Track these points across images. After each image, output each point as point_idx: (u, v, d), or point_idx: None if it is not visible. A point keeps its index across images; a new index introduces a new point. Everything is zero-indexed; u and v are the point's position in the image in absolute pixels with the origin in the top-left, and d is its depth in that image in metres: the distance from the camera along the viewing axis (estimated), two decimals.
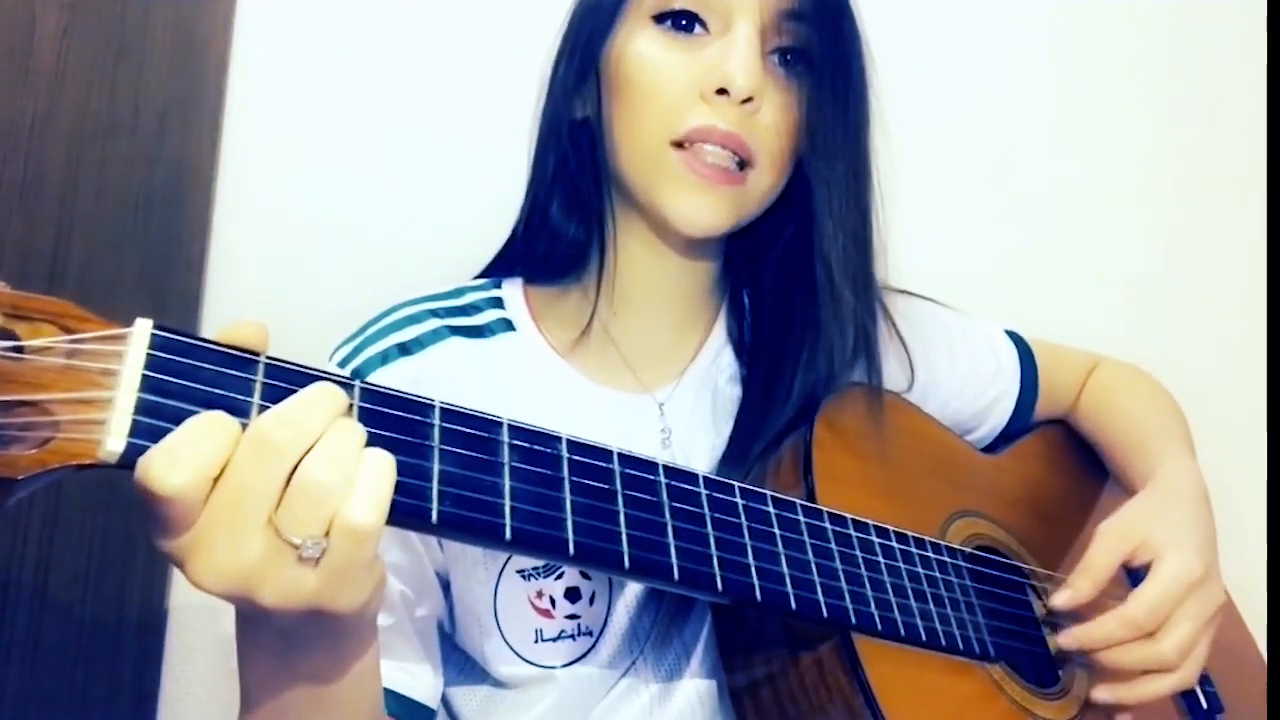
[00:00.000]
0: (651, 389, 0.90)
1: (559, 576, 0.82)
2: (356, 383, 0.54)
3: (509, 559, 0.82)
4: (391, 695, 0.78)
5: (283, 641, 0.56)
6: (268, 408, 0.50)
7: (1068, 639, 0.83)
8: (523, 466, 0.58)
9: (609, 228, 0.88)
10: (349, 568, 0.50)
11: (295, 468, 0.49)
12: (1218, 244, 1.41)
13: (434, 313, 0.88)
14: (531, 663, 0.82)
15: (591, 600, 0.83)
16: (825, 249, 0.85)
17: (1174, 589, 0.81)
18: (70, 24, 1.08)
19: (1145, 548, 0.84)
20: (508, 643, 0.83)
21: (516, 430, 0.59)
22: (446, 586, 0.85)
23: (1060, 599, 0.84)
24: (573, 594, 0.83)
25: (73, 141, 1.07)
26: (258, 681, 0.60)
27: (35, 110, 1.05)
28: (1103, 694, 0.84)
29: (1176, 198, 1.41)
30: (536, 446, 0.60)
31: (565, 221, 0.89)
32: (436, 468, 0.55)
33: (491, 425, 0.59)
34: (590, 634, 0.83)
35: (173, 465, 0.46)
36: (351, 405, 0.53)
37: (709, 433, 0.89)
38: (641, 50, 0.83)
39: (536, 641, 0.82)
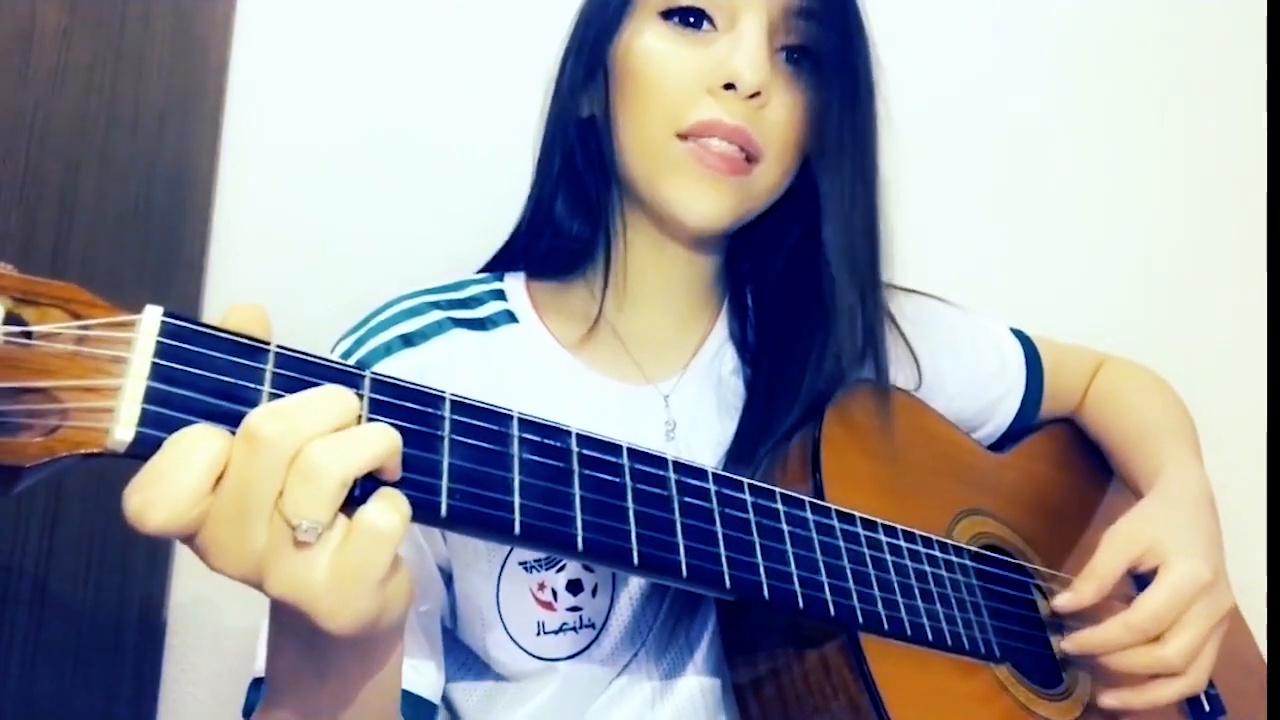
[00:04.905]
0: (656, 381, 0.90)
1: (561, 569, 0.82)
2: (366, 373, 0.53)
3: (511, 550, 0.81)
4: None
5: (308, 634, 0.55)
6: (278, 396, 0.49)
7: (1071, 643, 0.83)
8: (532, 460, 0.58)
9: (615, 225, 0.88)
10: (358, 567, 0.49)
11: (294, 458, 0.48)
12: (1219, 243, 1.42)
13: (436, 305, 0.87)
14: (534, 655, 0.82)
15: (594, 593, 0.82)
16: (832, 247, 0.85)
17: (1180, 594, 0.81)
18: (70, 24, 1.08)
19: (1152, 553, 0.84)
20: (510, 635, 0.82)
21: (526, 424, 0.59)
22: (449, 580, 0.84)
23: (1063, 601, 0.84)
24: (575, 586, 0.82)
25: (73, 141, 1.07)
26: (283, 671, 0.59)
27: (35, 110, 1.05)
28: (1109, 699, 0.84)
29: (1178, 197, 1.41)
30: (547, 440, 0.59)
31: (570, 219, 0.90)
32: (446, 461, 0.54)
33: (502, 418, 0.58)
34: (593, 627, 0.82)
35: (147, 508, 0.46)
36: (360, 415, 0.51)
37: (714, 425, 0.88)
38: (648, 45, 0.83)
39: (539, 634, 0.82)
